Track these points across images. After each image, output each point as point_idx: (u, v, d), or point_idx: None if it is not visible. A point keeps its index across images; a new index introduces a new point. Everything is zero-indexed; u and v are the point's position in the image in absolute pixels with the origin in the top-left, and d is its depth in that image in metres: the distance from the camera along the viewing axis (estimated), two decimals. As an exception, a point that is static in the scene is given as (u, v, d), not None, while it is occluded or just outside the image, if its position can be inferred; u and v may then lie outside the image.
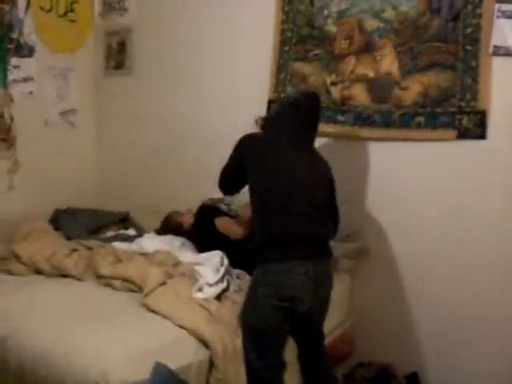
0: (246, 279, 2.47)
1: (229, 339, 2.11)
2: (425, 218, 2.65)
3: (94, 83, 3.93)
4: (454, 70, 2.50)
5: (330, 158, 2.31)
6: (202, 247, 2.79)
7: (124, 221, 3.48)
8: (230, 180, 2.34)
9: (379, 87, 2.70)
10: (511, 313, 2.46)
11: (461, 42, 2.48)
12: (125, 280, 2.48)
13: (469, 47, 2.46)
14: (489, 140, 2.45)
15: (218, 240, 2.68)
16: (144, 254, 2.73)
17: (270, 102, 2.99)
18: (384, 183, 2.74)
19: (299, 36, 2.93)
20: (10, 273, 2.70)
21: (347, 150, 2.82)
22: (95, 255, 2.70)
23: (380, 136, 2.71)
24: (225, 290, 2.40)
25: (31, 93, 3.52)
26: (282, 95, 2.94)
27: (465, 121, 2.49)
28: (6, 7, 3.33)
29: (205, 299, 2.28)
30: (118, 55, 3.80)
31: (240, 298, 2.26)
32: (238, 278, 2.54)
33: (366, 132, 2.75)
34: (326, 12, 2.84)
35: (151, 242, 2.91)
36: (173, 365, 1.89)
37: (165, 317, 2.17)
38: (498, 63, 2.41)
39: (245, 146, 2.23)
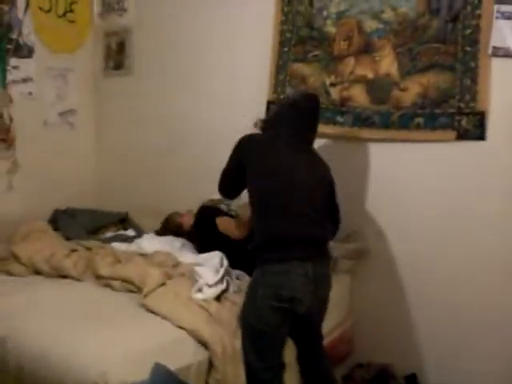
0: (246, 280, 2.46)
1: (228, 340, 2.11)
2: (424, 218, 2.65)
3: (94, 83, 3.92)
4: (454, 71, 2.50)
5: (329, 159, 2.31)
6: (201, 248, 2.79)
7: (123, 221, 3.47)
8: (230, 182, 2.33)
9: (378, 88, 2.70)
10: (510, 314, 2.46)
11: (460, 43, 2.48)
12: (124, 280, 2.48)
13: (468, 48, 2.46)
14: (488, 141, 2.46)
15: (217, 241, 2.68)
16: (143, 255, 2.73)
17: (268, 103, 2.99)
18: (383, 184, 2.74)
19: (298, 37, 2.92)
20: (9, 273, 2.69)
21: (346, 151, 2.82)
22: (94, 256, 2.70)
23: (379, 137, 2.71)
24: (224, 291, 2.40)
25: (30, 93, 3.51)
26: (282, 96, 2.94)
27: (464, 122, 2.49)
28: (5, 7, 3.33)
29: (204, 300, 2.28)
30: (117, 55, 3.79)
31: (239, 299, 2.26)
32: (237, 278, 2.54)
33: (365, 133, 2.75)
34: (325, 13, 2.84)
35: (151, 243, 2.90)
36: (172, 365, 1.89)
37: (164, 317, 2.16)
38: (497, 64, 2.41)
39: (244, 146, 2.23)
